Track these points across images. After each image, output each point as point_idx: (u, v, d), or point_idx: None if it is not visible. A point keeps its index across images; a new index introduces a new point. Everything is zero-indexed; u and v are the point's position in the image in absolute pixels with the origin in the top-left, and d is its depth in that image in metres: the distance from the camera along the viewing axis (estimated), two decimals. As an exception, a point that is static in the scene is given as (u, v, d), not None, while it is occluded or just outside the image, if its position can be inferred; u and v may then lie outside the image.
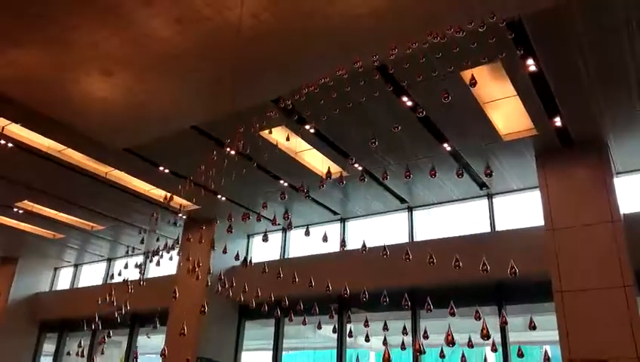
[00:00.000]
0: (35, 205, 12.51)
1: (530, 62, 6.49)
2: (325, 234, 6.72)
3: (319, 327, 7.74)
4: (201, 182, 9.36)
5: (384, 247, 6.39)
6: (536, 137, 8.47)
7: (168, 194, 7.96)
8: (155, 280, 11.58)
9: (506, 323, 6.51)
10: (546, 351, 7.20)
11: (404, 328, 5.98)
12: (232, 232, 6.68)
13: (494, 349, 6.92)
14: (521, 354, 7.14)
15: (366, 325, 6.18)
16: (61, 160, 9.85)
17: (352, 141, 8.87)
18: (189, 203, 12.12)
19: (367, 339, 6.52)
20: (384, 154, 9.20)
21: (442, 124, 8.17)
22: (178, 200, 12.05)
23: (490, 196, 10.84)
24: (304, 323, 7.03)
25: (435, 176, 6.49)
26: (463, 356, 5.63)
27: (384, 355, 4.53)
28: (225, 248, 7.41)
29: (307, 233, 7.31)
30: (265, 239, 6.71)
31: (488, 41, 5.20)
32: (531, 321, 5.58)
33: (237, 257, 7.77)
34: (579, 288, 7.91)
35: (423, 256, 8.12)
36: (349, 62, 5.44)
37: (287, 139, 6.99)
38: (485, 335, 4.75)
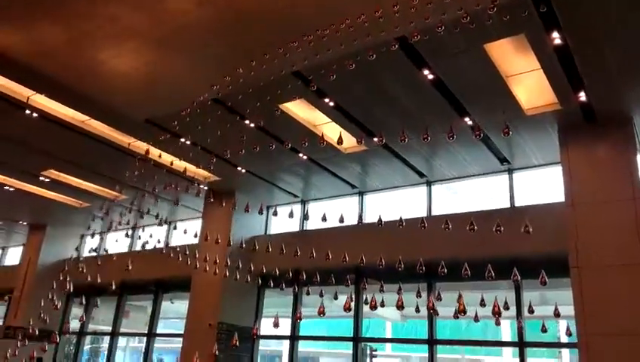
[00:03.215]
0: (61, 174, 12.85)
1: (555, 34, 6.33)
2: (342, 216, 6.83)
3: (335, 298, 7.93)
4: (221, 154, 9.52)
5: (400, 219, 6.45)
6: (560, 112, 8.32)
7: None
8: (179, 248, 11.89)
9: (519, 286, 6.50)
10: (568, 327, 7.30)
11: (418, 291, 6.09)
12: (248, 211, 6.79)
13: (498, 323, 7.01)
14: (544, 330, 7.22)
15: (381, 290, 6.27)
16: (84, 130, 10.06)
17: (371, 114, 8.84)
18: (209, 174, 12.32)
19: (382, 305, 6.65)
20: (404, 128, 9.14)
21: (464, 97, 8.07)
22: (199, 172, 12.26)
23: (510, 171, 10.74)
24: (321, 295, 7.20)
25: (452, 138, 6.35)
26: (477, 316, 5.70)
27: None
28: (247, 206, 7.60)
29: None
30: (275, 214, 6.92)
31: (512, 14, 5.12)
32: (542, 276, 5.61)
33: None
34: (597, 264, 7.90)
35: (440, 230, 8.17)
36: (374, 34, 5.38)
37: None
38: (497, 313, 4.85)
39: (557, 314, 6.58)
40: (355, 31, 5.45)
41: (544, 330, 7.39)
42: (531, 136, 9.22)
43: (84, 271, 8.07)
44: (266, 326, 13.34)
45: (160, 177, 8.97)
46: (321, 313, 5.71)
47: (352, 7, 5.53)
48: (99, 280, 7.88)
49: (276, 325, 6.03)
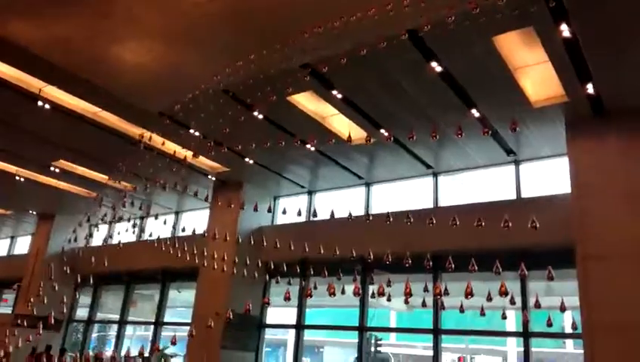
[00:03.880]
0: (71, 164, 12.99)
1: (563, 27, 6.36)
2: (350, 213, 7.02)
3: (343, 292, 8.08)
4: (230, 146, 9.61)
5: (408, 215, 6.55)
6: (567, 104, 8.35)
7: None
8: (187, 238, 12.03)
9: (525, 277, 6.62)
10: (573, 321, 7.41)
11: (425, 287, 6.22)
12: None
13: (504, 316, 7.13)
14: (550, 324, 7.34)
15: (388, 285, 6.40)
16: (96, 121, 10.18)
17: (378, 106, 8.91)
18: (218, 165, 12.43)
19: (388, 299, 6.79)
20: (411, 120, 9.23)
21: (471, 89, 8.11)
22: (207, 162, 12.37)
23: (517, 162, 10.79)
24: (329, 291, 7.36)
25: (461, 136, 6.52)
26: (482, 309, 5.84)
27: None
28: (256, 205, 7.74)
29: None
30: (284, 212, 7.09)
31: (521, 6, 5.16)
32: (549, 272, 5.74)
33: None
34: (602, 255, 7.97)
35: (447, 222, 8.22)
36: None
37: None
38: (504, 293, 4.95)
39: (563, 309, 6.68)
40: (365, 24, 5.51)
41: (549, 324, 7.49)
42: (538, 128, 9.26)
43: (93, 260, 8.19)
44: (272, 316, 13.50)
45: (168, 167, 9.12)
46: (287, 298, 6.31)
47: (363, 1, 5.58)
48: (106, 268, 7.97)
49: (287, 299, 6.43)
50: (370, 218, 7.11)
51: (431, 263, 6.43)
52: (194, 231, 8.95)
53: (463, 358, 14.81)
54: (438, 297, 6.84)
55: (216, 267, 8.53)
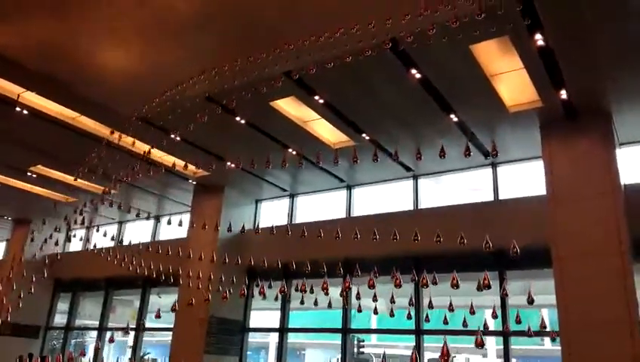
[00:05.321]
0: (49, 170, 12.81)
1: (537, 36, 6.58)
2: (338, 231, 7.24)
3: (326, 294, 8.23)
4: (211, 150, 9.60)
5: (395, 234, 6.77)
6: (541, 109, 8.62)
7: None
8: (167, 243, 11.98)
9: (506, 294, 6.93)
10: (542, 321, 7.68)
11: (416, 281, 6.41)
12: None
13: (494, 316, 7.40)
14: (519, 321, 7.62)
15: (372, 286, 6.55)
16: (74, 126, 10.07)
17: (360, 111, 9.04)
18: (198, 169, 12.39)
19: (374, 299, 6.97)
20: (391, 124, 9.40)
21: (449, 95, 8.31)
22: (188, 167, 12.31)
23: (494, 165, 11.06)
24: (312, 291, 7.49)
25: (444, 157, 6.93)
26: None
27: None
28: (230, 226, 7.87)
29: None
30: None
31: (497, 18, 5.33)
32: (530, 295, 6.01)
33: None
34: (577, 255, 8.23)
35: (427, 223, 8.36)
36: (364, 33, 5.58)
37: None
38: (486, 286, 5.18)
39: (530, 302, 6.93)
40: (347, 37, 5.65)
41: (518, 321, 7.74)
42: (514, 131, 9.52)
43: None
44: (255, 320, 13.52)
45: (149, 170, 9.12)
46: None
47: (345, 17, 5.72)
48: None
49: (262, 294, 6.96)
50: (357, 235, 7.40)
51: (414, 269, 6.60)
52: (180, 222, 9.00)
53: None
54: (423, 287, 7.08)
55: (200, 283, 8.64)
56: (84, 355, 14.10)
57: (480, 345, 5.55)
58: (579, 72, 7.60)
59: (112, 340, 13.11)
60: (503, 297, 8.93)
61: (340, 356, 11.85)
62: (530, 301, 6.84)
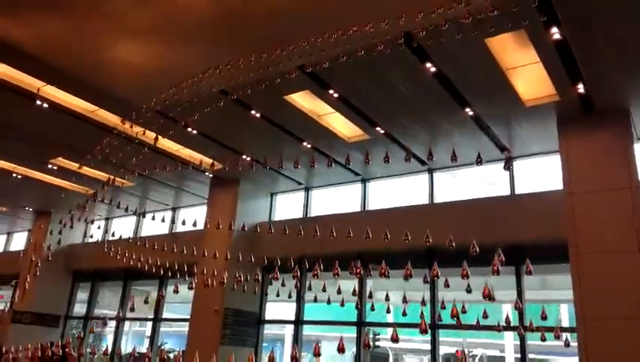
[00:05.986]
0: (69, 162, 13.04)
1: (554, 29, 6.50)
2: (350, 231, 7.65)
3: (339, 292, 8.31)
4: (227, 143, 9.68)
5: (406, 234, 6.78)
6: (558, 103, 8.52)
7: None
8: (184, 235, 12.16)
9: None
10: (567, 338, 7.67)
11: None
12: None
13: (517, 307, 7.39)
14: (544, 317, 7.60)
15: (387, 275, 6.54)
16: (93, 120, 10.25)
17: (374, 105, 9.04)
18: (215, 162, 12.51)
19: (386, 298, 7.00)
20: (406, 118, 9.38)
21: (464, 88, 8.26)
22: (204, 160, 12.44)
23: (510, 159, 10.94)
24: (324, 290, 7.54)
25: (456, 161, 7.17)
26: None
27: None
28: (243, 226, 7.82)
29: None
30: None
31: (512, 9, 5.30)
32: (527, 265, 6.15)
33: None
34: (594, 251, 8.15)
35: (442, 217, 8.33)
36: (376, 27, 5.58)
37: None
38: (487, 296, 5.17)
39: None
40: (361, 34, 5.67)
41: (544, 317, 7.73)
42: (530, 126, 9.42)
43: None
44: (270, 312, 13.64)
45: (165, 164, 9.26)
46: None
47: (358, 16, 5.73)
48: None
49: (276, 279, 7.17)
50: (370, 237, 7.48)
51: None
52: (195, 222, 9.15)
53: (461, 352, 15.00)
54: (435, 279, 7.08)
55: (212, 283, 8.78)
56: (106, 325, 14.29)
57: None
58: (596, 66, 7.49)
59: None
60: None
61: (354, 349, 11.92)
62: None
